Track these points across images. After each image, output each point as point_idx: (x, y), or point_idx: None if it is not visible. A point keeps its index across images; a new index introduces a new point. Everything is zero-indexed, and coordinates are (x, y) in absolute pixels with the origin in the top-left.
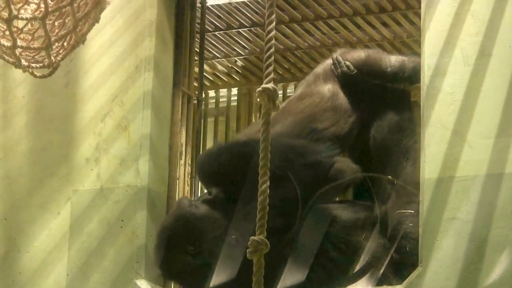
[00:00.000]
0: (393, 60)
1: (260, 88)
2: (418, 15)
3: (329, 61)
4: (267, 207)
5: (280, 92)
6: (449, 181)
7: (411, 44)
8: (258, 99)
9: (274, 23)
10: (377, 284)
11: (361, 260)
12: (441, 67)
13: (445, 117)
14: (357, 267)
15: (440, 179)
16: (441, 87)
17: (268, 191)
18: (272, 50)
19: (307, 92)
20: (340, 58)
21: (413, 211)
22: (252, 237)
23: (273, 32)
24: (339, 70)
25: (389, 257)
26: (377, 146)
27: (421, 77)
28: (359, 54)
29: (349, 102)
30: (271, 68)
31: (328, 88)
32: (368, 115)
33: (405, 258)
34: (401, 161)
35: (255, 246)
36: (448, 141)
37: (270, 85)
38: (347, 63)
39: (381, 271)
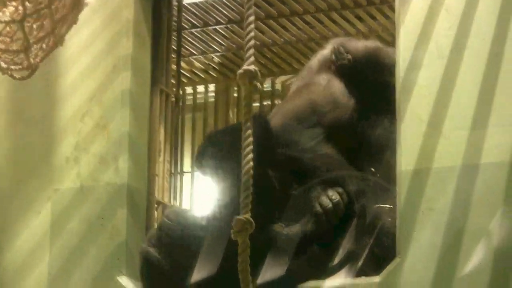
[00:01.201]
0: (391, 52)
1: (241, 70)
2: (392, 9)
3: (324, 53)
4: (251, 188)
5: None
6: (426, 172)
7: (386, 38)
8: (239, 82)
9: (253, 8)
10: (356, 276)
11: (340, 253)
12: (416, 61)
13: (421, 109)
14: (336, 260)
15: (417, 170)
16: (416, 80)
17: (252, 171)
18: (252, 34)
19: (303, 85)
20: (342, 49)
21: (392, 206)
22: (237, 216)
23: (253, 17)
24: (340, 62)
25: (367, 250)
26: (374, 139)
27: (396, 71)
28: (357, 45)
29: (346, 96)
30: (251, 50)
31: (323, 77)
32: (364, 108)
33: (383, 250)
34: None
35: (241, 225)
36: (424, 133)
37: (252, 67)
38: (349, 56)
39: (360, 263)
